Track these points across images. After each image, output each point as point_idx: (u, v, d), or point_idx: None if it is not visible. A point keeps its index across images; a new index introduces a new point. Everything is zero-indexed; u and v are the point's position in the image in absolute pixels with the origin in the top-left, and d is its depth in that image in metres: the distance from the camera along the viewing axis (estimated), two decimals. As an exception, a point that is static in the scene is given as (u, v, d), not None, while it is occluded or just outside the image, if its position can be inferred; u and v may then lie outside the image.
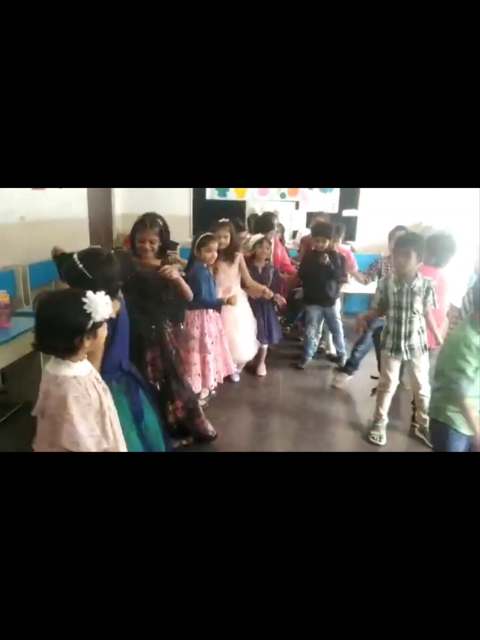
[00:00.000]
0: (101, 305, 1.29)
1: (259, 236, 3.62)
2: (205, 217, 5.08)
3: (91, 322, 1.28)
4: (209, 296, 2.89)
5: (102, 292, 1.32)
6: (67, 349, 1.32)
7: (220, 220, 3.20)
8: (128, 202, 6.04)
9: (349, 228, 5.22)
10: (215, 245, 2.94)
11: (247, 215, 5.87)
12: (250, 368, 3.76)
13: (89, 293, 1.29)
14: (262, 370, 3.78)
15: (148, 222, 2.35)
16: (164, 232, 2.36)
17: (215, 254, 2.96)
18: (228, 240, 3.15)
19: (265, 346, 3.65)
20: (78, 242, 4.77)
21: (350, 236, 5.69)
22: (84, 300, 1.28)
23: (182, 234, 5.63)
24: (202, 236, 2.93)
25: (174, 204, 5.94)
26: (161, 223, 2.35)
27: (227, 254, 3.17)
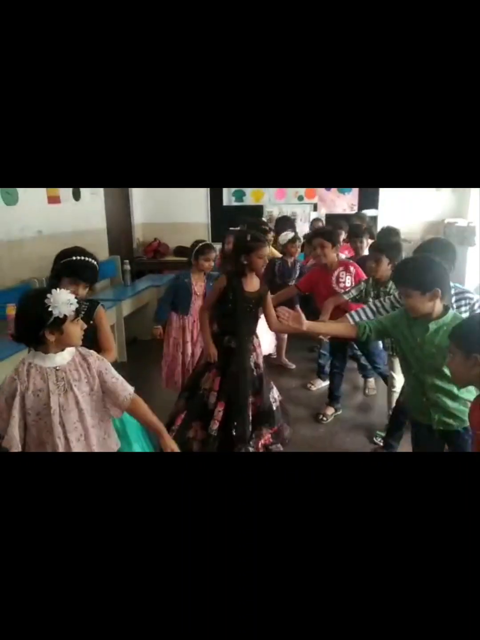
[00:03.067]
0: (61, 302, 1.35)
1: (290, 234, 3.71)
2: (223, 223, 5.12)
3: (51, 317, 1.35)
4: (182, 305, 2.98)
5: (68, 291, 1.39)
6: (34, 340, 1.40)
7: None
8: (147, 211, 6.16)
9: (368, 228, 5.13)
10: (213, 255, 2.96)
11: (265, 219, 5.88)
12: (274, 366, 3.74)
13: (54, 290, 1.37)
14: (286, 361, 3.84)
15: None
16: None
17: (212, 263, 2.99)
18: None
19: (285, 335, 3.63)
20: (97, 253, 4.90)
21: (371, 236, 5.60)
22: (48, 296, 1.35)
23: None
24: (200, 245, 2.95)
25: (191, 211, 6.03)
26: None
27: None
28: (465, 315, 1.90)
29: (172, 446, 1.53)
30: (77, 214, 4.35)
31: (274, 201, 6.01)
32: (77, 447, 1.45)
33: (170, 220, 6.02)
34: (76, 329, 1.43)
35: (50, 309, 1.35)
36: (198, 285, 3.01)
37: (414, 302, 1.64)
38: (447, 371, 1.63)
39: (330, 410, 3.13)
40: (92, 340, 1.85)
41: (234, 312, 2.35)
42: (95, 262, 1.96)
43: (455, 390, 1.66)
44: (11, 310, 2.74)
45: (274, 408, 2.49)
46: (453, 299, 1.96)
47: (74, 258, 1.90)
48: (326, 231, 3.06)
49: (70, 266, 1.88)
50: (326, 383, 3.47)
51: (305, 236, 4.24)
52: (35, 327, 1.37)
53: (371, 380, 3.51)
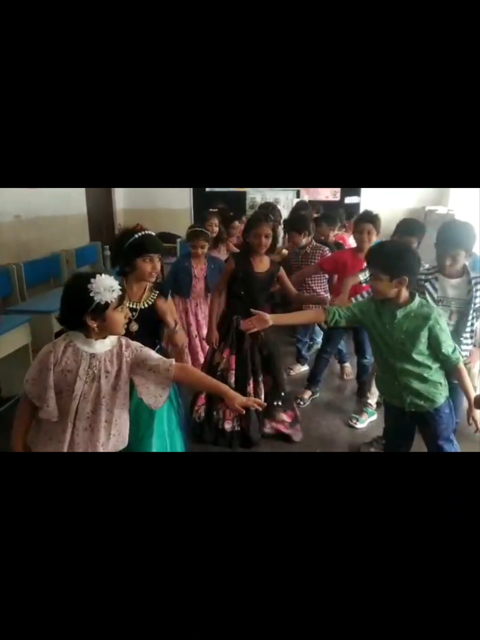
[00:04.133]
0: (103, 288, 1.33)
1: None
2: (206, 209, 5.09)
3: (94, 303, 1.33)
4: (183, 288, 3.03)
5: (106, 275, 1.36)
6: (76, 325, 1.40)
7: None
8: (129, 197, 6.09)
9: (352, 215, 5.12)
10: (200, 241, 2.98)
11: (247, 206, 5.87)
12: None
13: (98, 276, 1.35)
14: None
15: (263, 216, 2.39)
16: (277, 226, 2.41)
17: (206, 248, 3.03)
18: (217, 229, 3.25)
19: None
20: (77, 238, 4.85)
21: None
22: (91, 280, 1.34)
23: (182, 227, 5.66)
24: (189, 231, 3.02)
25: (174, 197, 5.98)
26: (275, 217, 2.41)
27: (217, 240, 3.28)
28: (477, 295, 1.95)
29: (239, 404, 1.44)
30: (56, 199, 4.29)
31: (257, 188, 5.99)
32: (81, 435, 1.43)
33: (153, 206, 5.97)
34: (119, 317, 1.40)
35: (91, 295, 1.33)
36: (198, 268, 3.05)
37: (381, 286, 1.67)
38: (416, 356, 1.70)
39: (307, 394, 3.17)
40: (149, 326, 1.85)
41: (245, 293, 2.39)
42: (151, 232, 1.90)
43: (425, 373, 1.71)
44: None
45: (287, 390, 2.58)
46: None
47: (137, 236, 1.81)
48: (374, 217, 2.88)
49: (140, 244, 1.80)
50: (305, 368, 3.51)
51: (285, 221, 4.21)
52: (77, 312, 1.36)
53: (347, 365, 3.55)
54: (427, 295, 1.99)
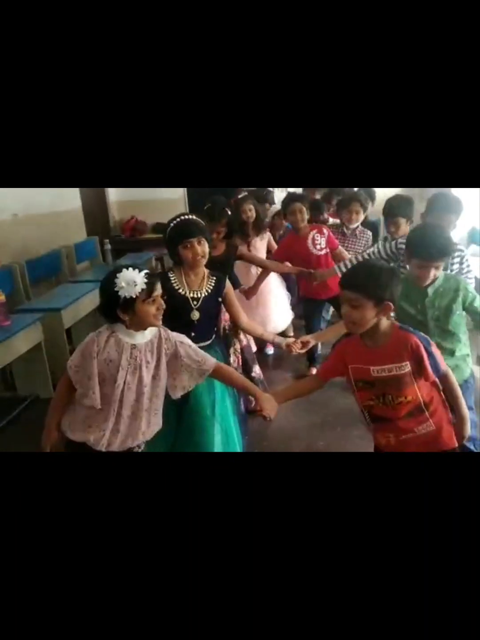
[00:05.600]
0: (126, 284, 1.36)
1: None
2: (199, 199, 5.05)
3: (122, 297, 1.37)
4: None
5: (137, 270, 1.38)
6: (111, 318, 1.43)
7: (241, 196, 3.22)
8: (122, 189, 6.01)
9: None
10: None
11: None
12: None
13: (124, 270, 1.38)
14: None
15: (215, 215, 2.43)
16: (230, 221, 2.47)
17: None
18: (254, 214, 3.18)
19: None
20: (74, 233, 4.80)
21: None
22: (117, 275, 1.37)
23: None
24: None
25: (166, 187, 5.91)
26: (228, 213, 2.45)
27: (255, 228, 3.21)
28: (456, 268, 1.98)
29: (270, 407, 1.51)
30: (52, 195, 4.22)
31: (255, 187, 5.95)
32: (124, 423, 1.48)
33: (146, 197, 5.90)
34: (148, 309, 1.41)
35: (115, 289, 1.37)
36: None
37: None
38: (452, 328, 1.71)
39: (313, 371, 3.22)
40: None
41: None
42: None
43: (456, 347, 1.74)
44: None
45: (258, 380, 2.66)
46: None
47: (171, 225, 1.81)
48: (301, 196, 3.09)
49: (173, 233, 1.79)
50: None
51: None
52: (111, 306, 1.41)
53: None
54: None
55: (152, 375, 1.49)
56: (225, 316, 2.53)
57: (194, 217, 1.83)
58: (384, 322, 1.43)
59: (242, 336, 2.61)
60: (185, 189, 6.05)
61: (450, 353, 1.74)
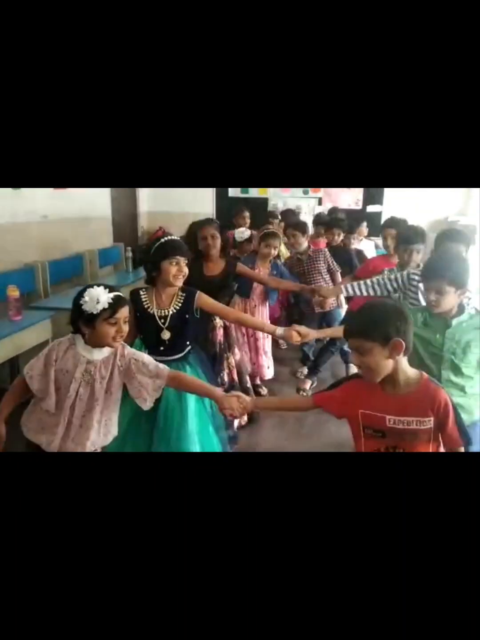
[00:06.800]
0: (89, 299, 1.41)
1: (246, 233, 3.45)
2: (228, 214, 5.17)
3: (85, 312, 1.42)
4: (243, 289, 3.01)
5: (108, 290, 1.44)
6: (75, 329, 1.49)
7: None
8: (153, 200, 6.21)
9: (375, 223, 5.08)
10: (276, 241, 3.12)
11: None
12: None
13: (95, 287, 1.44)
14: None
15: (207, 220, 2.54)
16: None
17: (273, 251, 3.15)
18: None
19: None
20: (101, 239, 4.98)
21: (376, 232, 5.61)
22: (87, 290, 1.44)
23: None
24: (264, 232, 3.19)
25: (197, 201, 6.06)
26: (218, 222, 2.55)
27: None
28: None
29: (233, 406, 1.54)
30: (83, 201, 4.42)
31: (279, 194, 6.04)
32: (76, 431, 1.52)
33: (176, 210, 6.07)
34: (107, 330, 1.44)
35: (80, 302, 1.42)
36: (262, 269, 3.13)
37: (447, 299, 1.60)
38: (465, 367, 1.64)
39: (308, 383, 3.25)
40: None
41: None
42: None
43: (467, 385, 1.67)
44: (12, 291, 2.82)
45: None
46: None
47: (162, 240, 1.91)
48: (399, 221, 3.05)
49: (165, 247, 1.87)
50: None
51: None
52: (75, 318, 1.46)
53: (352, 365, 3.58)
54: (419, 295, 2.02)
55: (105, 389, 1.52)
56: (219, 332, 2.58)
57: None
58: (411, 370, 1.33)
59: (235, 350, 2.64)
60: (215, 205, 6.19)
61: (461, 389, 1.67)
